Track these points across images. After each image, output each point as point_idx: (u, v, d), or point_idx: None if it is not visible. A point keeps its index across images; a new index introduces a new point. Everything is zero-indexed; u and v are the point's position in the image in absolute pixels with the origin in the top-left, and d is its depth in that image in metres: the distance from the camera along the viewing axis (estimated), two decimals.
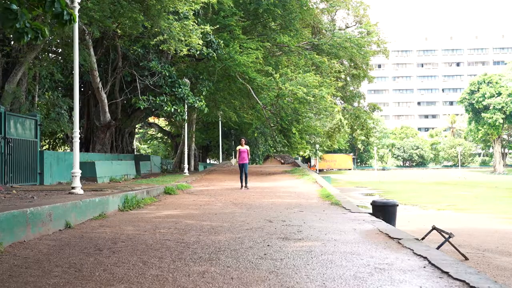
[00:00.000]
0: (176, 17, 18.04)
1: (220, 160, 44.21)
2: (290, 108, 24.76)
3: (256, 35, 25.51)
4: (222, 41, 22.07)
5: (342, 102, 36.23)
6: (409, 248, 5.39)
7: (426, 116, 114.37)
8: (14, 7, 5.18)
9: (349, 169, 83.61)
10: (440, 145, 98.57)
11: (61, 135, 24.83)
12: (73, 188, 9.90)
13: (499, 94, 70.13)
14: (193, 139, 31.04)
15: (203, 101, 23.06)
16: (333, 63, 27.53)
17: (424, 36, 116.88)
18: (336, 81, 28.18)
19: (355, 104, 36.27)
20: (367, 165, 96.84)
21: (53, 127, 18.39)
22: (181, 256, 5.00)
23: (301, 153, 48.62)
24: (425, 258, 4.81)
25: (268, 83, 23.55)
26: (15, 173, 13.04)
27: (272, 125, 27.77)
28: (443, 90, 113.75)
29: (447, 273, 4.14)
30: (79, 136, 10.59)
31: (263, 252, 5.21)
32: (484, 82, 72.04)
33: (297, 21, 24.66)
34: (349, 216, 8.87)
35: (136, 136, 45.02)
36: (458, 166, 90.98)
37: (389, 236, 6.31)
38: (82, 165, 14.99)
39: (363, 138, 42.63)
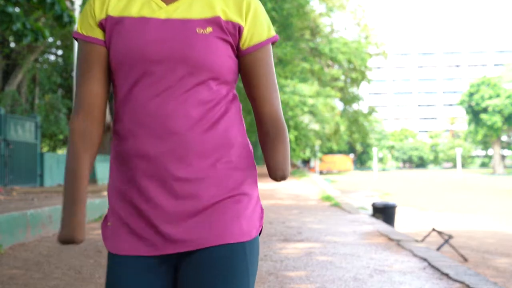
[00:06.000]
0: None
1: None
2: (287, 115, 24.84)
3: None
4: None
5: (342, 103, 36.27)
6: (409, 250, 5.40)
7: (426, 118, 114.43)
8: (10, 9, 5.20)
9: (349, 171, 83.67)
10: (440, 146, 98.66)
11: (61, 137, 24.85)
12: None
13: (498, 96, 70.30)
14: None
15: None
16: (332, 68, 27.61)
17: (424, 38, 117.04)
18: (335, 91, 28.31)
19: (355, 105, 36.32)
20: (366, 166, 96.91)
21: (53, 129, 18.40)
22: None
23: (295, 159, 48.68)
24: (425, 259, 4.82)
25: None
26: (15, 175, 13.04)
27: None
28: (443, 92, 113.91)
29: (446, 274, 4.15)
30: None
31: (262, 254, 5.21)
32: (484, 84, 72.17)
33: (295, 29, 24.63)
34: (349, 217, 8.87)
35: None
36: (456, 167, 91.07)
37: (389, 238, 6.32)
38: None
39: (360, 141, 42.78)
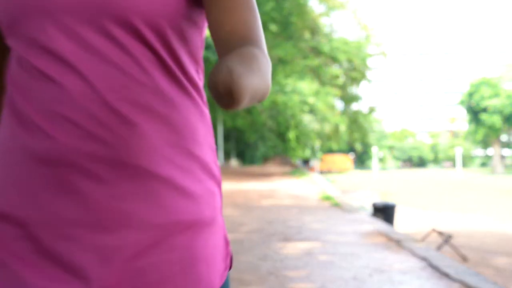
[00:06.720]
0: None
1: (223, 161, 44.30)
2: (287, 114, 24.90)
3: None
4: None
5: (342, 102, 36.28)
6: (409, 250, 5.40)
7: (426, 118, 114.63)
8: None
9: (349, 170, 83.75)
10: (440, 146, 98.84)
11: None
12: None
13: (498, 96, 70.43)
14: None
15: None
16: (333, 66, 27.64)
17: (424, 38, 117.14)
18: (335, 89, 28.38)
19: (354, 105, 36.32)
20: (366, 166, 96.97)
21: None
22: None
23: (295, 158, 48.95)
24: (425, 259, 4.82)
25: None
26: None
27: (269, 129, 27.91)
28: (443, 92, 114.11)
29: (446, 274, 4.15)
30: None
31: (262, 253, 5.22)
32: (484, 84, 72.29)
33: (295, 29, 24.68)
34: (348, 217, 8.87)
35: None
36: (456, 167, 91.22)
37: (389, 237, 6.32)
38: None
39: (360, 140, 42.85)
